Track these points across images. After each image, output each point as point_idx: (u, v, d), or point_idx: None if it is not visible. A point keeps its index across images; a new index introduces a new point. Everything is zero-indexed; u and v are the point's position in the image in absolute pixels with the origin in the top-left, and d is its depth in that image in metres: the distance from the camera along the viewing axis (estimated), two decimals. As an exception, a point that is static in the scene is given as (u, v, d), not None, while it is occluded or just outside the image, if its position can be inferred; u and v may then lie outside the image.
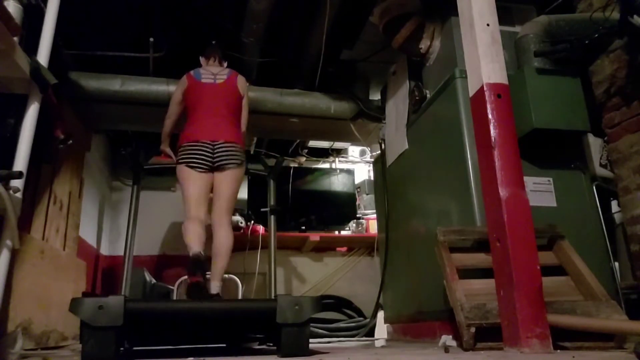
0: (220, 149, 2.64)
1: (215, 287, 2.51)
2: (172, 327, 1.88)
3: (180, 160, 2.66)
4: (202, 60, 2.94)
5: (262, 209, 3.96)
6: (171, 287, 3.70)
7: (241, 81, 2.87)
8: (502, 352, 1.52)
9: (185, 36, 3.31)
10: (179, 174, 2.68)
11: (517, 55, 2.45)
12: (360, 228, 4.82)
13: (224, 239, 2.59)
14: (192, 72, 2.83)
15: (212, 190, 2.71)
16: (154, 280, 3.82)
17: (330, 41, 3.17)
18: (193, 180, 2.62)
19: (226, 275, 2.63)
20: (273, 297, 2.12)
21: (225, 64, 2.97)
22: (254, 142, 4.39)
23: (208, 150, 2.63)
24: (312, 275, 4.76)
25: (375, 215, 3.97)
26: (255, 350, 2.21)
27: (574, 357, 1.33)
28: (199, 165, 2.62)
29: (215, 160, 2.63)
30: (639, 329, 1.44)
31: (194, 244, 2.48)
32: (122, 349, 1.94)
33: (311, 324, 2.15)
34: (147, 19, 3.13)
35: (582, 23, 2.33)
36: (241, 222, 4.21)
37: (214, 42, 3.00)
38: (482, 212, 2.14)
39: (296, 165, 5.01)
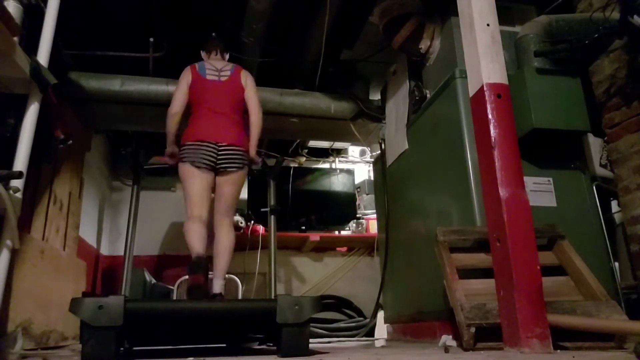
0: (224, 152, 2.62)
1: (218, 286, 2.52)
2: (172, 327, 1.88)
3: (183, 159, 2.61)
4: (203, 54, 2.91)
5: (262, 209, 3.96)
6: (171, 287, 3.70)
7: (244, 76, 2.82)
8: (502, 352, 1.52)
9: (185, 36, 3.30)
10: (182, 173, 2.64)
11: (517, 55, 2.45)
12: (360, 228, 4.82)
13: (225, 239, 2.61)
14: (196, 66, 2.78)
15: (213, 191, 2.70)
16: (154, 280, 3.82)
17: (330, 41, 3.17)
18: (196, 179, 2.59)
19: (226, 275, 2.62)
20: (273, 297, 2.12)
21: (227, 56, 2.94)
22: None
23: (212, 151, 2.60)
24: (312, 275, 4.76)
25: (375, 215, 3.97)
26: (255, 350, 2.21)
27: (574, 357, 1.32)
28: (203, 164, 2.58)
29: (218, 162, 2.61)
30: (639, 329, 1.44)
31: (196, 244, 2.47)
32: (122, 349, 1.94)
33: (311, 324, 2.15)
34: (147, 19, 3.13)
35: (582, 23, 2.33)
36: (241, 222, 4.21)
37: (214, 34, 2.97)
38: (482, 212, 2.14)
39: (296, 165, 5.01)
